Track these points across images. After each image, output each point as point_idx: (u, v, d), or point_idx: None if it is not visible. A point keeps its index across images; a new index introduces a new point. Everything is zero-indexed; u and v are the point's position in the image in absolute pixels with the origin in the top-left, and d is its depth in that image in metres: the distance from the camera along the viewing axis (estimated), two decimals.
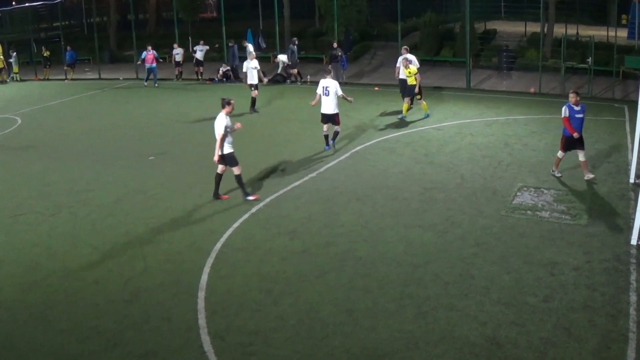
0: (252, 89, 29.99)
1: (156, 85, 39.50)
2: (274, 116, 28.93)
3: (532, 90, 31.30)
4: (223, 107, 17.49)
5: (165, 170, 21.05)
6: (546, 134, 23.38)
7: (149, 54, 39.20)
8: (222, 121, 17.26)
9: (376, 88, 26.76)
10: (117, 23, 56.43)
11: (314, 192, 18.27)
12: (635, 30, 39.61)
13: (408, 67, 26.62)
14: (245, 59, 34.59)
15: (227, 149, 17.49)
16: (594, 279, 12.60)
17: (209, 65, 42.38)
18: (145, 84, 39.91)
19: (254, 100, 29.98)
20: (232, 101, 17.62)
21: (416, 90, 26.72)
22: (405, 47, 30.65)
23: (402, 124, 25.75)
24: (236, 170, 17.64)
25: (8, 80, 45.85)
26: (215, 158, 17.45)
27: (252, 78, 29.96)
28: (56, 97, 37.33)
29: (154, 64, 39.49)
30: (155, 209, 17.68)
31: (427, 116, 27.01)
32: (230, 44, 39.51)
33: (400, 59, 29.00)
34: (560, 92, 31.38)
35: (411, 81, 26.54)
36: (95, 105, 34.57)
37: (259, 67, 30.02)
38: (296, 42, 38.32)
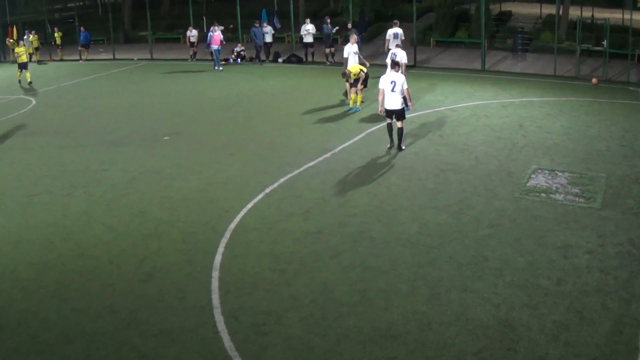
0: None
1: (221, 69, 37.79)
2: (290, 96, 28.89)
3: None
4: (393, 67, 20.50)
5: (179, 150, 21.09)
6: (561, 116, 23.30)
7: (215, 34, 37.65)
8: (402, 77, 20.02)
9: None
10: (132, 3, 56.34)
11: (328, 173, 18.27)
12: None
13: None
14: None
15: (402, 104, 19.93)
16: (608, 263, 12.58)
17: (223, 45, 42.28)
18: (220, 69, 37.82)
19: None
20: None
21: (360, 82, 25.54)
22: (395, 21, 33.43)
23: (417, 104, 25.61)
24: (401, 124, 20.05)
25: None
26: (411, 104, 21.19)
27: (354, 64, 26.18)
28: (70, 78, 37.42)
29: (219, 46, 38.06)
30: (169, 188, 17.73)
31: (352, 110, 25.52)
32: (256, 25, 39.10)
33: (389, 31, 32.21)
34: (575, 75, 31.24)
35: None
36: (109, 85, 34.65)
37: (358, 52, 26.82)
38: (328, 21, 38.42)
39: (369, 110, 25.00)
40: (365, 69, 25.31)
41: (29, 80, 35.27)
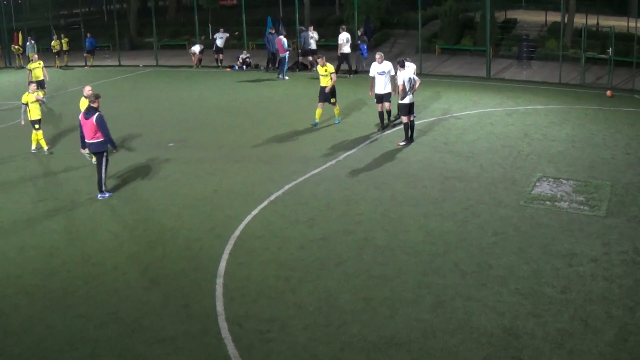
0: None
1: (286, 77, 36.08)
2: (295, 104, 28.93)
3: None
4: (403, 66, 21.35)
5: (184, 157, 21.11)
6: (566, 124, 23.28)
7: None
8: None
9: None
10: (137, 10, 56.52)
11: (333, 180, 18.29)
12: None
13: (325, 64, 24.42)
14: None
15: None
16: (612, 271, 12.56)
17: (228, 52, 42.37)
18: (287, 77, 36.00)
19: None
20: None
21: (327, 90, 24.24)
22: (342, 26, 36.64)
23: (422, 112, 25.58)
24: (405, 119, 21.59)
25: (26, 67, 45.98)
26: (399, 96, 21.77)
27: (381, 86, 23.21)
28: (76, 84, 37.36)
29: (285, 53, 36.21)
30: (174, 195, 17.75)
31: (338, 121, 24.85)
32: (271, 31, 38.83)
33: (342, 36, 34.97)
34: (580, 83, 31.24)
35: (326, 82, 24.28)
36: (115, 91, 34.65)
37: (387, 73, 23.12)
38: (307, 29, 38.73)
39: (374, 119, 24.97)
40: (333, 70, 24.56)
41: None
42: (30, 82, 23.14)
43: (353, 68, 36.31)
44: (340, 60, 35.70)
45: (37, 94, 22.46)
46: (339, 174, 18.78)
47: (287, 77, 35.97)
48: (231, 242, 14.57)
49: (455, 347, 10.36)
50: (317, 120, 24.56)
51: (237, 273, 13.14)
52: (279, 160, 20.39)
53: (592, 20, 40.26)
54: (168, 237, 15.08)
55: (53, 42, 45.26)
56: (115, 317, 11.69)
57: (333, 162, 19.87)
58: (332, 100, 24.50)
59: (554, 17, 43.02)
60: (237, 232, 15.07)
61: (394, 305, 11.69)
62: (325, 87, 24.21)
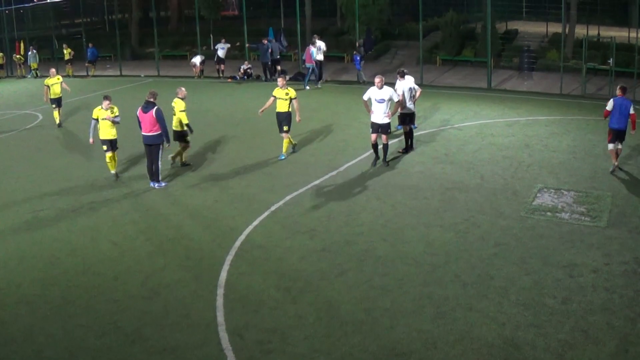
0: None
1: (307, 87, 35.68)
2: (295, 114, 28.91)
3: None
4: (403, 76, 22.18)
5: (185, 167, 21.11)
6: (567, 135, 23.28)
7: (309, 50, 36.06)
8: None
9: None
10: (139, 20, 56.62)
11: (334, 191, 18.29)
12: None
13: (285, 87, 21.83)
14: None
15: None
16: (613, 282, 12.54)
17: (230, 63, 42.40)
18: (307, 87, 35.66)
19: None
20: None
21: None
22: (315, 35, 37.41)
23: (423, 123, 25.59)
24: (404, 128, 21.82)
25: (28, 76, 46.14)
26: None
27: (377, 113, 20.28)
28: (77, 94, 37.35)
29: (312, 64, 35.91)
30: (175, 205, 17.76)
31: (283, 157, 21.85)
32: (264, 41, 38.86)
33: (320, 44, 36.17)
34: (581, 93, 31.24)
35: (283, 107, 21.73)
36: (115, 102, 34.44)
37: (386, 100, 20.09)
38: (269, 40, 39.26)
39: None
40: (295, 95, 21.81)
41: (57, 120, 28.75)
42: (106, 98, 20.98)
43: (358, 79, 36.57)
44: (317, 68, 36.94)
45: (113, 112, 20.60)
46: (339, 185, 18.79)
47: (308, 87, 35.85)
48: (232, 252, 14.57)
49: (456, 358, 10.34)
50: (285, 153, 22.02)
51: (237, 283, 13.13)
52: (279, 170, 20.40)
53: (593, 31, 40.27)
54: (169, 247, 15.08)
55: (65, 50, 45.37)
56: (115, 326, 11.68)
57: (334, 172, 19.88)
58: (286, 128, 21.67)
59: (554, 28, 43.05)
60: (237, 242, 15.06)
61: (394, 315, 11.67)
62: (283, 112, 21.65)
